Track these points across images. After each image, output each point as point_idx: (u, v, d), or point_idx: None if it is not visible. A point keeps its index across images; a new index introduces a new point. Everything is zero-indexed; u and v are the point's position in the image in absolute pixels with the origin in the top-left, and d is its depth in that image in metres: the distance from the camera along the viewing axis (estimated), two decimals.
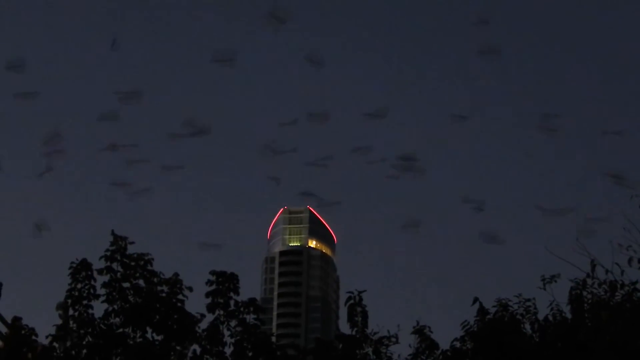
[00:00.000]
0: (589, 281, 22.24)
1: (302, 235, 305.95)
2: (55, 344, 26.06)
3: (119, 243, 26.98)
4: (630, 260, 20.89)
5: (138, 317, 26.30)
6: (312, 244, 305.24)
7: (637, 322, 20.74)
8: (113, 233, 27.13)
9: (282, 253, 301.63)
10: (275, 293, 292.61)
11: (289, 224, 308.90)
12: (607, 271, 21.43)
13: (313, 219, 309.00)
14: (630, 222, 21.01)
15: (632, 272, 21.14)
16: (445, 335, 25.93)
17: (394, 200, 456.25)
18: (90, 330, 26.13)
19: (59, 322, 26.42)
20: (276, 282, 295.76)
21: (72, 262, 26.73)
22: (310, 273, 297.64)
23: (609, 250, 21.19)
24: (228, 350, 27.12)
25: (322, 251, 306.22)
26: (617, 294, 21.83)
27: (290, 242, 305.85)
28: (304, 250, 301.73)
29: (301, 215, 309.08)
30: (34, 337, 26.47)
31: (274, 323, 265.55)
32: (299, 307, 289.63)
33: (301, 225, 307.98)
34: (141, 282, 26.92)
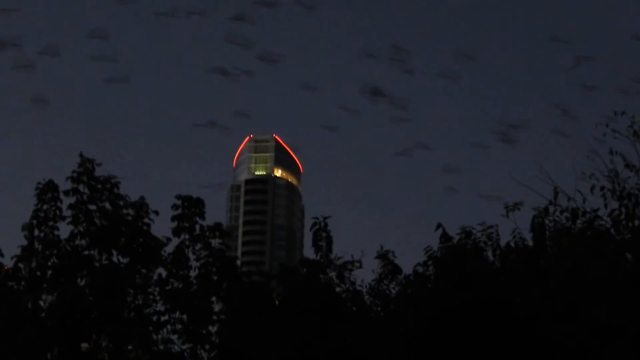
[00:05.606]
0: (551, 209, 22.43)
1: (268, 164, 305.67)
2: (21, 265, 26.10)
3: (86, 165, 26.93)
4: (592, 188, 21.05)
5: (104, 239, 26.37)
6: (278, 172, 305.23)
7: (597, 249, 21.00)
8: (81, 155, 27.07)
9: (247, 181, 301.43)
10: (241, 221, 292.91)
11: (255, 153, 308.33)
12: (569, 199, 21.60)
13: (279, 147, 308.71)
14: (594, 150, 21.14)
15: (594, 199, 21.33)
16: (409, 261, 26.12)
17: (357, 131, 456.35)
18: (55, 251, 26.19)
19: (25, 243, 26.42)
20: (241, 210, 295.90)
21: (39, 183, 26.69)
22: (275, 202, 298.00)
23: (572, 178, 21.33)
24: (193, 274, 27.32)
25: (288, 180, 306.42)
26: (578, 221, 22.03)
27: (256, 170, 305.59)
28: (269, 179, 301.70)
29: (267, 144, 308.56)
30: None
31: (239, 251, 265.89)
32: (264, 235, 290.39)
33: (267, 154, 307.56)
34: (107, 204, 26.94)
